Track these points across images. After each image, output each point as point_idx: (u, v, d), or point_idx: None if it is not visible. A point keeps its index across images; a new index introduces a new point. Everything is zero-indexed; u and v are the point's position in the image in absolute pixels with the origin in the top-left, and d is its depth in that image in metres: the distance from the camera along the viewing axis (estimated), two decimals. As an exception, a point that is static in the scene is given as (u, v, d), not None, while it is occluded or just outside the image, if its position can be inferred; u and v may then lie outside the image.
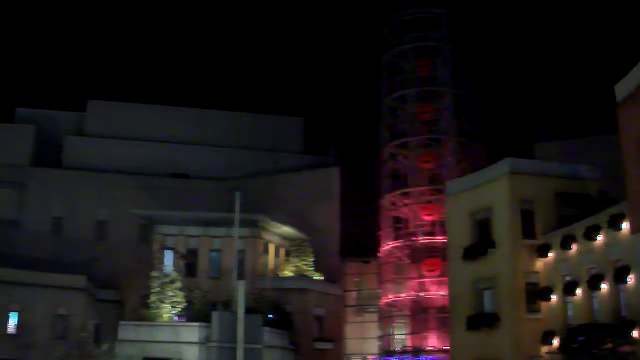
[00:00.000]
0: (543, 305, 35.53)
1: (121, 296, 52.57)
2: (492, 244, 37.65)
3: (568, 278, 33.98)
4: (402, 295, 48.69)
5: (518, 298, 35.85)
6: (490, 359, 36.54)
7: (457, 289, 40.15)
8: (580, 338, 31.22)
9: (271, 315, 42.86)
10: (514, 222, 36.78)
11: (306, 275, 49.86)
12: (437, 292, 46.62)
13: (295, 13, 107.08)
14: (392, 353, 48.81)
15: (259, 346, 14.37)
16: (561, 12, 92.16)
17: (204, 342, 38.55)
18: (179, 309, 44.10)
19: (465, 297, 39.00)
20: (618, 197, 32.19)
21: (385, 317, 50.95)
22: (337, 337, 50.79)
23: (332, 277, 52.61)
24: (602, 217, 31.90)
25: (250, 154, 61.72)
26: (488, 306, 37.74)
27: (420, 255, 48.19)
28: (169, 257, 47.92)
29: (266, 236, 50.26)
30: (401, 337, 49.97)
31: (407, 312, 49.18)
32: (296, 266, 50.27)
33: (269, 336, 40.00)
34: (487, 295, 37.98)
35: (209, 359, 36.36)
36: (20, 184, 56.65)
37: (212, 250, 49.23)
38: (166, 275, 44.30)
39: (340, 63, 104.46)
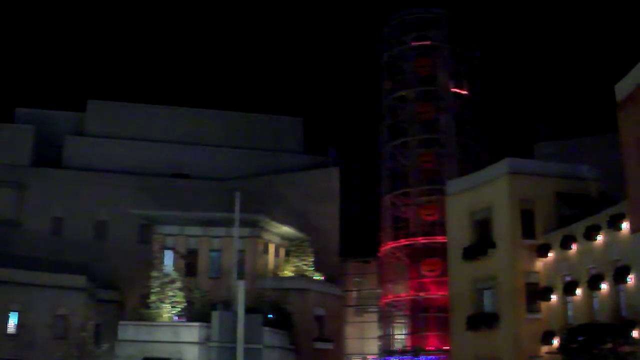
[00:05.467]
0: (543, 305, 35.55)
1: (121, 296, 52.68)
2: (492, 244, 37.67)
3: (568, 278, 34.00)
4: (402, 295, 48.72)
5: (518, 298, 35.87)
6: (490, 359, 36.55)
7: (457, 289, 40.17)
8: (580, 338, 31.23)
9: (271, 315, 42.84)
10: (514, 222, 36.82)
11: (306, 275, 49.87)
12: (437, 292, 46.65)
13: (295, 13, 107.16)
14: (392, 353, 48.84)
15: (259, 346, 14.34)
16: (561, 12, 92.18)
17: (204, 342, 38.54)
18: (179, 309, 44.11)
19: (465, 297, 39.02)
20: (618, 197, 32.21)
21: (385, 317, 51.01)
22: (337, 337, 50.78)
23: (332, 277, 52.64)
24: (602, 217, 31.92)
25: (250, 154, 61.68)
26: (488, 306, 37.78)
27: (420, 255, 48.21)
28: (169, 257, 47.93)
29: (266, 236, 50.24)
30: (401, 337, 50.04)
31: (407, 312, 49.21)
32: (296, 266, 50.27)
33: (269, 336, 39.95)
34: (487, 295, 38.02)
35: (209, 359, 36.49)
36: (20, 184, 56.60)
37: (212, 250, 49.20)
38: (166, 275, 44.32)
39: (340, 63, 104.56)
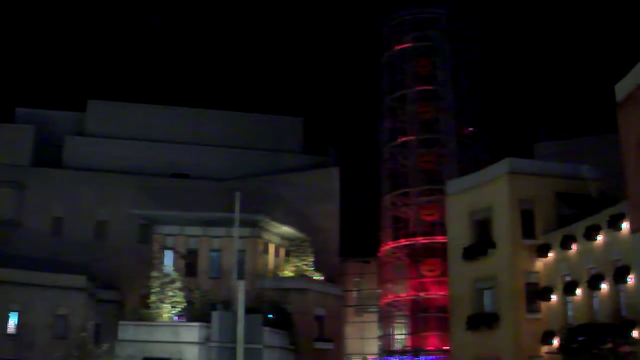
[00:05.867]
0: (543, 305, 35.55)
1: (121, 296, 52.69)
2: (492, 244, 37.68)
3: (568, 278, 34.00)
4: (402, 295, 48.72)
5: (518, 298, 35.87)
6: (490, 359, 36.56)
7: (457, 289, 40.17)
8: (580, 338, 31.24)
9: (271, 315, 42.86)
10: (514, 222, 36.81)
11: (306, 275, 49.89)
12: (437, 292, 46.65)
13: (295, 13, 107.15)
14: (392, 353, 48.85)
15: (259, 346, 14.35)
16: (561, 12, 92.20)
17: (204, 342, 38.54)
18: (179, 309, 44.12)
19: (465, 297, 39.02)
20: (618, 197, 32.20)
21: (385, 317, 51.01)
22: (337, 337, 50.81)
23: (332, 277, 52.65)
24: (602, 217, 31.92)
25: (250, 154, 61.69)
26: (488, 306, 37.78)
27: (420, 255, 48.21)
28: (169, 257, 47.96)
29: (266, 236, 50.26)
30: (401, 337, 50.03)
31: (407, 312, 49.22)
32: (296, 266, 50.29)
33: (269, 336, 39.97)
34: (487, 295, 38.02)
35: (209, 359, 36.49)
36: (20, 184, 56.62)
37: (212, 250, 49.24)
38: (166, 275, 44.32)
39: (340, 63, 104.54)
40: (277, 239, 51.50)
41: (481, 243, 38.40)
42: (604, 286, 31.27)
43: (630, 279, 29.54)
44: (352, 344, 55.21)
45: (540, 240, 36.28)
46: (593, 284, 31.76)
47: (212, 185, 58.22)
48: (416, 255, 48.53)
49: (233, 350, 14.04)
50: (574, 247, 33.84)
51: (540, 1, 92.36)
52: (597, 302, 31.99)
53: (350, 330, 55.23)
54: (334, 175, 56.97)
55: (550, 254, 35.63)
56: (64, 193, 56.96)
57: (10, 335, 46.02)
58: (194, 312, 43.50)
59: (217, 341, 14.19)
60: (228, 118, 64.35)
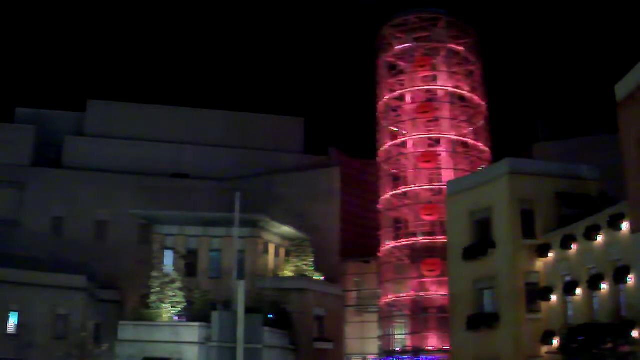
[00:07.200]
0: (543, 305, 35.54)
1: (121, 296, 52.70)
2: (492, 244, 37.65)
3: (568, 278, 33.98)
4: (402, 295, 48.72)
5: (518, 298, 35.85)
6: (490, 359, 36.54)
7: (457, 289, 40.15)
8: (580, 338, 31.21)
9: (271, 315, 42.85)
10: (514, 222, 36.76)
11: (306, 275, 49.88)
12: (437, 292, 46.65)
13: (296, 14, 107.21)
14: (392, 353, 48.83)
15: (259, 346, 14.36)
16: (561, 12, 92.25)
17: (204, 342, 38.55)
18: (179, 309, 44.13)
19: (465, 297, 39.01)
20: (618, 197, 32.18)
21: (385, 317, 51.00)
22: (337, 337, 50.80)
23: (332, 277, 52.63)
24: (602, 217, 31.89)
25: (250, 154, 61.73)
26: (488, 306, 37.75)
27: (420, 255, 48.19)
28: (169, 257, 47.97)
29: (266, 236, 50.26)
30: (401, 337, 50.01)
31: (407, 312, 49.21)
32: (296, 266, 50.29)
33: (269, 336, 40.00)
34: (487, 295, 38.00)
35: (209, 359, 36.51)
36: (20, 184, 56.66)
37: (212, 250, 49.25)
38: (166, 275, 44.33)
39: (340, 63, 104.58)
40: (277, 239, 51.51)
41: (481, 243, 38.36)
42: (604, 286, 31.23)
43: (630, 279, 29.51)
44: (352, 344, 55.21)
45: (540, 240, 36.23)
46: (593, 284, 31.71)
47: (212, 185, 58.28)
48: (416, 255, 48.52)
49: (233, 350, 14.06)
50: (574, 247, 33.81)
51: (540, 1, 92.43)
52: (597, 302, 31.93)
53: (350, 330, 55.23)
54: (334, 175, 57.00)
55: (550, 254, 35.59)
56: (64, 193, 57.03)
57: (10, 335, 46.04)
58: (194, 312, 43.52)
59: (217, 341, 14.20)
60: (228, 118, 64.42)
